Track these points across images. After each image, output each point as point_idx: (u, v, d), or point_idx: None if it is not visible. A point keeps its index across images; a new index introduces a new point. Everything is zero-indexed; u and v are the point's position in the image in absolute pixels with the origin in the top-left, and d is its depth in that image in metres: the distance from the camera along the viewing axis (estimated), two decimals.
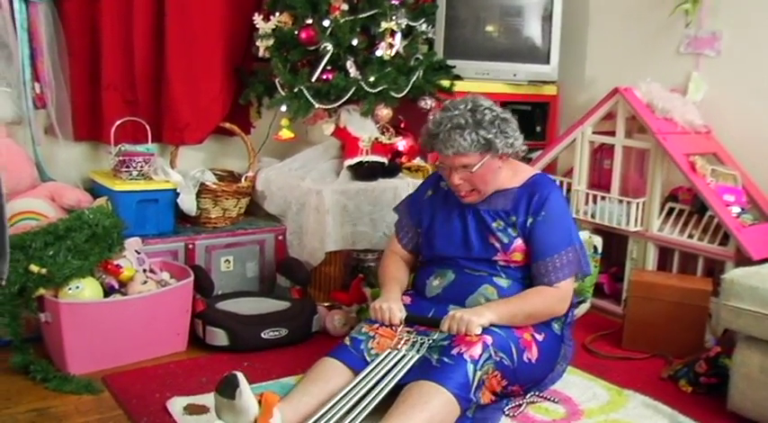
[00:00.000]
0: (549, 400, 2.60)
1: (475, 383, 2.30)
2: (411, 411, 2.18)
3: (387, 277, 2.79)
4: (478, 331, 2.37)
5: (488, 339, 2.38)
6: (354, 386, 2.30)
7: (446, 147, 2.52)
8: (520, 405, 2.52)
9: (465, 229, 2.68)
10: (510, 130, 2.58)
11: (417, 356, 2.40)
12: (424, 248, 2.81)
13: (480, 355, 2.33)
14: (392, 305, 2.56)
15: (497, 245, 2.62)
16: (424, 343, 2.45)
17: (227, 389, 2.10)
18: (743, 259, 3.08)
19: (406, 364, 2.38)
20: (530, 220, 2.60)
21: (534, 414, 2.51)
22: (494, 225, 2.63)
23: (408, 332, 2.51)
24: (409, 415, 2.17)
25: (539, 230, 2.59)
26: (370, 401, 2.24)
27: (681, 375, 2.82)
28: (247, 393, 2.10)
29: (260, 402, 2.12)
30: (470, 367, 2.30)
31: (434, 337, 2.45)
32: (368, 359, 2.44)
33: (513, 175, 2.69)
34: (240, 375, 2.11)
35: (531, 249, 2.60)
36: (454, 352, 2.35)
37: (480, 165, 2.54)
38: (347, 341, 2.52)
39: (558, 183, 3.47)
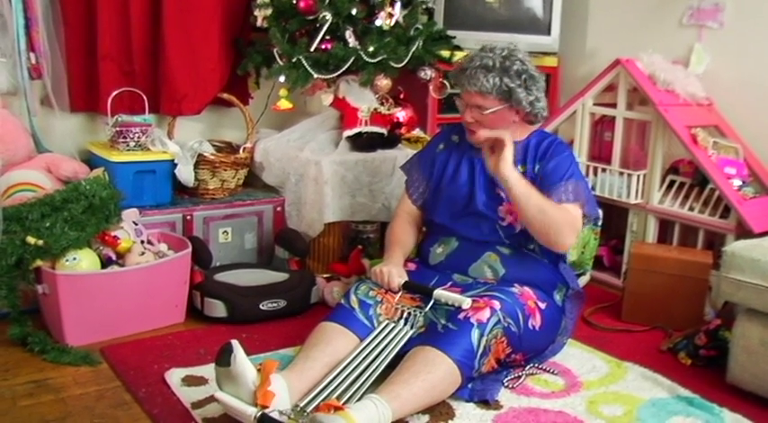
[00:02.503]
0: (548, 371, 2.60)
1: (480, 349, 2.30)
2: (414, 379, 2.18)
3: (391, 240, 2.80)
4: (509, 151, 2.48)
5: (496, 304, 2.38)
6: (356, 356, 2.31)
7: (469, 83, 2.59)
8: (519, 377, 2.52)
9: (472, 182, 2.71)
10: (534, 88, 2.63)
11: (411, 332, 2.42)
12: (429, 205, 2.82)
13: (488, 320, 2.34)
14: (392, 269, 2.57)
15: (503, 194, 2.63)
16: (417, 317, 2.46)
17: (224, 357, 2.10)
18: (744, 232, 3.08)
19: (400, 340, 2.39)
20: (537, 167, 2.64)
21: (533, 386, 2.51)
22: None
23: (406, 301, 2.51)
24: (411, 382, 2.17)
25: (546, 168, 2.62)
26: (369, 375, 2.25)
27: (680, 348, 2.82)
28: (242, 358, 2.09)
29: (259, 372, 2.12)
30: (476, 332, 2.30)
31: (427, 311, 2.46)
32: (376, 325, 2.46)
33: (521, 132, 2.71)
34: (235, 342, 2.11)
35: (539, 187, 2.60)
36: (461, 316, 2.35)
37: (493, 110, 2.58)
38: (353, 304, 2.51)
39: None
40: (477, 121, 2.62)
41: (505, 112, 2.61)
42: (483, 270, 2.62)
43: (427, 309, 2.46)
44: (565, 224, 2.52)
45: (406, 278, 2.58)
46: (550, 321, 2.59)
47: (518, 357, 2.51)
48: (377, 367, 2.28)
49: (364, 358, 2.31)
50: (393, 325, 2.45)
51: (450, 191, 2.74)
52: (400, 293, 2.54)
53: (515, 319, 2.43)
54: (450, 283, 2.61)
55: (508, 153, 2.48)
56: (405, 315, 2.48)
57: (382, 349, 2.35)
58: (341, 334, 2.43)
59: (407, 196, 2.89)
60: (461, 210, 2.71)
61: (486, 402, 2.35)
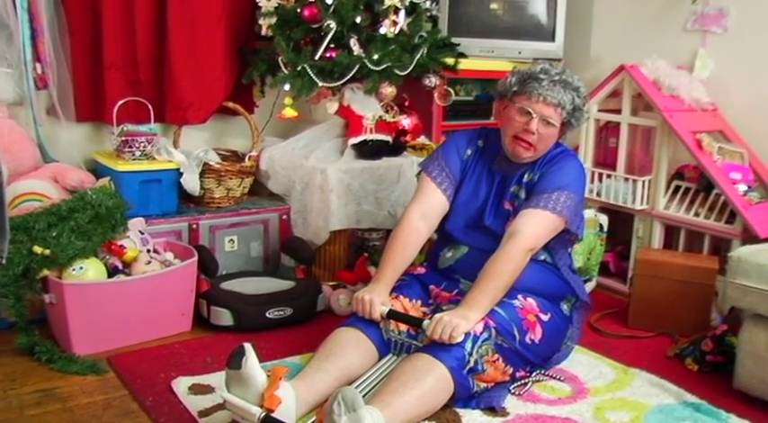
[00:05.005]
0: (554, 378, 2.60)
1: (470, 364, 2.29)
2: (403, 388, 2.17)
3: (386, 259, 2.64)
4: (462, 338, 2.28)
5: (491, 321, 2.37)
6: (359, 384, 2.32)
7: (547, 94, 2.53)
8: (525, 384, 2.51)
9: (488, 196, 2.69)
10: (585, 115, 2.66)
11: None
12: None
13: (481, 333, 2.33)
14: (374, 298, 2.46)
15: (509, 208, 2.64)
16: (410, 347, 2.45)
17: (235, 359, 2.10)
18: (749, 237, 3.07)
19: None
20: (537, 175, 2.63)
21: (540, 392, 2.51)
22: (512, 189, 2.65)
23: (394, 324, 2.49)
24: (401, 392, 2.16)
25: (544, 174, 2.61)
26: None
27: (687, 354, 2.81)
28: (253, 361, 2.10)
29: (269, 377, 2.12)
30: (469, 344, 2.29)
31: (420, 342, 2.42)
32: (384, 335, 2.46)
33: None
34: (248, 345, 2.12)
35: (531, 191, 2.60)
36: None
37: (555, 126, 2.58)
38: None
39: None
40: (538, 133, 2.57)
41: (557, 132, 2.61)
42: None
43: (419, 342, 2.42)
44: (523, 262, 2.47)
45: (390, 306, 2.49)
46: (554, 331, 2.58)
47: (523, 374, 2.51)
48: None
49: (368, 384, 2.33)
50: (393, 359, 2.45)
51: (469, 202, 2.72)
52: (383, 323, 2.49)
53: (510, 335, 2.40)
54: (455, 291, 2.60)
55: (459, 333, 2.30)
56: (400, 346, 2.47)
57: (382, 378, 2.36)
58: (356, 343, 2.42)
59: (434, 186, 2.71)
60: (474, 222, 2.70)
61: (492, 409, 2.35)
